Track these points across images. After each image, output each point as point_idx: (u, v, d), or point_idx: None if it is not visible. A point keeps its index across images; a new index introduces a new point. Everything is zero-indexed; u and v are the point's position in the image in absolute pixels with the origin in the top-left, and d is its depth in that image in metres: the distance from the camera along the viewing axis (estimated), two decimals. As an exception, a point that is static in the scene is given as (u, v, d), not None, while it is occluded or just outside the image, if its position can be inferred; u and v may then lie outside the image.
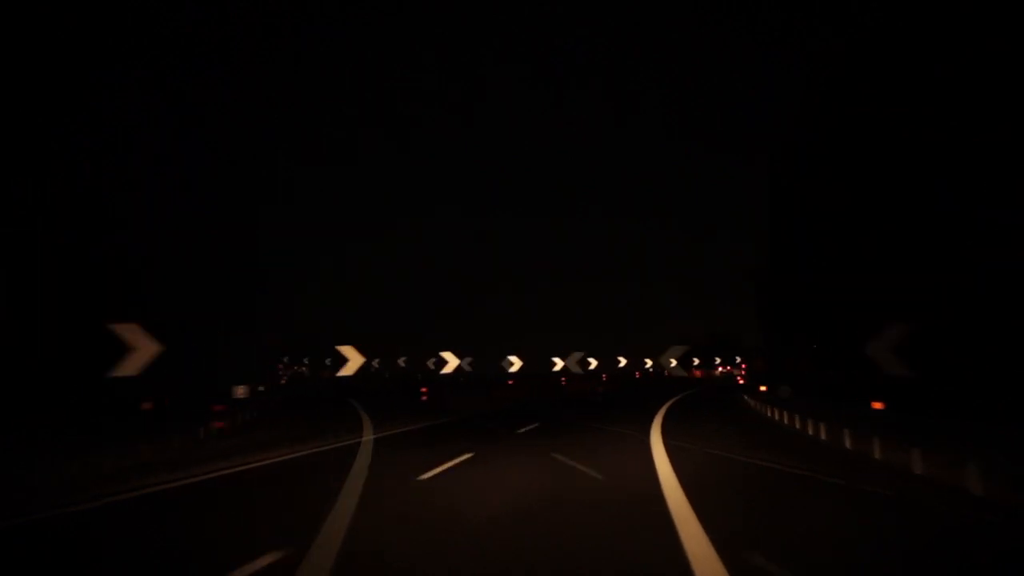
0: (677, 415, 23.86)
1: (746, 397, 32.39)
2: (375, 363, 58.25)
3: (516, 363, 36.62)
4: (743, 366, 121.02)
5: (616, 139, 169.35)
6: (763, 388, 24.29)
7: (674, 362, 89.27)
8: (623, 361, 61.82)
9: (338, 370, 26.92)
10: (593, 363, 50.36)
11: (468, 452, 12.83)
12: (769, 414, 21.38)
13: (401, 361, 56.17)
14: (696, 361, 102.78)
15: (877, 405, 11.11)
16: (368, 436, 16.32)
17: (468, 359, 36.26)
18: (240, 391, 21.77)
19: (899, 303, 24.58)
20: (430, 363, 41.38)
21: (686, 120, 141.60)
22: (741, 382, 57.73)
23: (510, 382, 46.80)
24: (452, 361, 33.83)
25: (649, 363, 76.06)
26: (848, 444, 11.90)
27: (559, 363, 44.47)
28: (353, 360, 53.92)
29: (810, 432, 14.56)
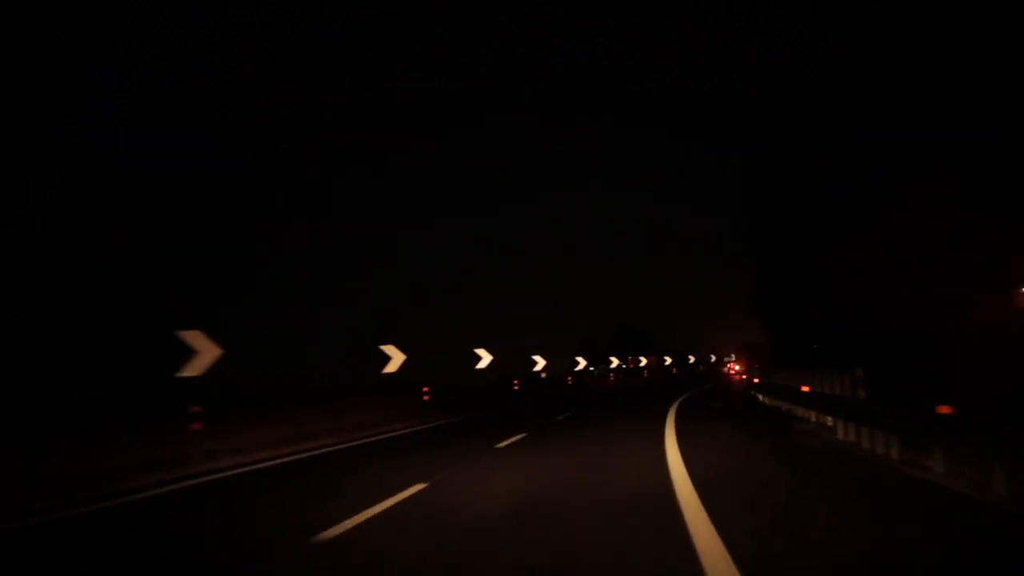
0: None
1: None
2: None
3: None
4: (732, 366, 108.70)
5: (615, 139, 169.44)
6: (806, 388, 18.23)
7: (582, 362, 58.28)
8: (486, 358, 35.59)
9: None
10: (397, 359, 24.64)
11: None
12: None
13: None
14: (614, 363, 69.38)
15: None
16: None
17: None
18: None
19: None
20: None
21: (685, 120, 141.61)
22: (756, 380, 38.47)
23: None
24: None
25: (541, 363, 44.29)
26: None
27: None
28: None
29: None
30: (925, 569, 5.55)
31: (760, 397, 28.95)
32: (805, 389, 18.48)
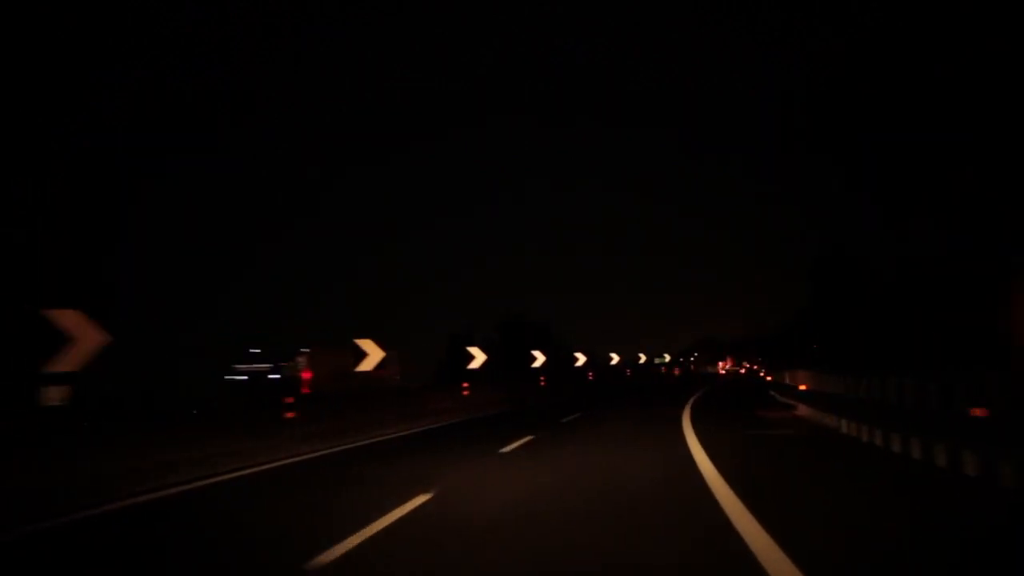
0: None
1: None
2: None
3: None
4: (722, 365, 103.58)
5: (615, 139, 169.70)
6: None
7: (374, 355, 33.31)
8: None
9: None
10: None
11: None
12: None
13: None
14: (478, 358, 32.93)
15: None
16: None
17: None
18: None
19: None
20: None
21: (685, 120, 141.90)
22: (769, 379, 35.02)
23: None
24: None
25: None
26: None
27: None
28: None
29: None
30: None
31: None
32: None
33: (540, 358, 43.24)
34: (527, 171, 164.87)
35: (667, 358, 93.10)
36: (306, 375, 21.94)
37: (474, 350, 32.02)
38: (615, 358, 66.71)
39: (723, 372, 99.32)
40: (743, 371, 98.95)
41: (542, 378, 39.98)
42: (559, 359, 53.37)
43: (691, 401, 28.43)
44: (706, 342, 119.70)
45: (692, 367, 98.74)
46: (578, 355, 55.63)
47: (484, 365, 32.20)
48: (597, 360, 62.27)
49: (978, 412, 9.34)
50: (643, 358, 79.87)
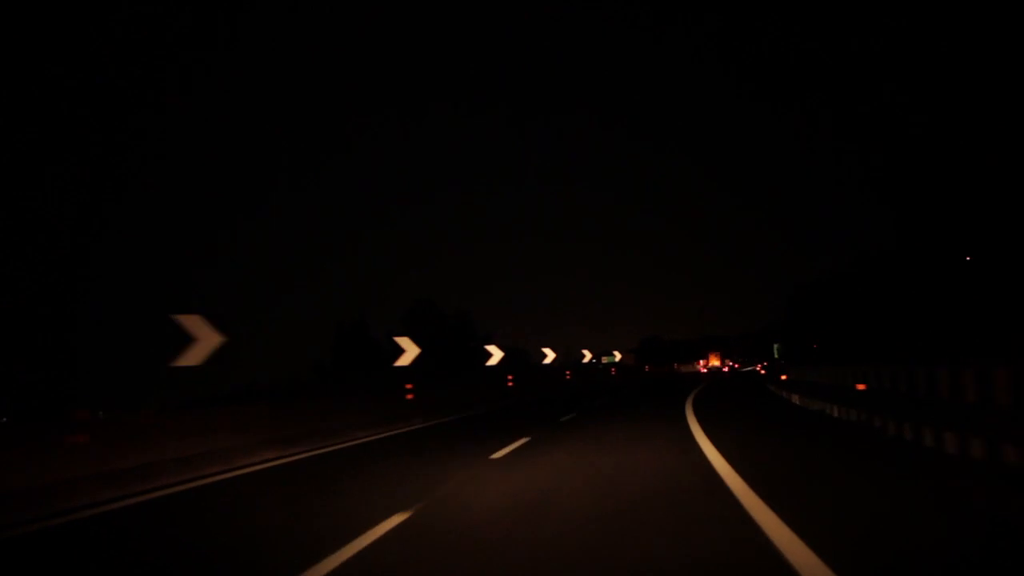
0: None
1: None
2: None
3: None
4: (702, 363, 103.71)
5: (614, 139, 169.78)
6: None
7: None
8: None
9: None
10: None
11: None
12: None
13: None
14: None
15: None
16: None
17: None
18: None
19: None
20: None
21: (684, 120, 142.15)
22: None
23: None
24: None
25: None
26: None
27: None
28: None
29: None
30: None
31: None
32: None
33: (410, 351, 24.68)
34: (514, 166, 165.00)
35: (617, 356, 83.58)
36: None
37: (191, 319, 14.14)
38: (550, 355, 49.28)
39: (704, 371, 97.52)
40: (726, 369, 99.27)
41: (408, 387, 22.20)
42: (461, 354, 37.98)
43: (696, 424, 15.20)
44: (650, 341, 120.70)
45: (647, 367, 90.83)
46: (491, 348, 37.27)
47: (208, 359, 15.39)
48: (527, 356, 47.86)
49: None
50: (588, 355, 63.55)
